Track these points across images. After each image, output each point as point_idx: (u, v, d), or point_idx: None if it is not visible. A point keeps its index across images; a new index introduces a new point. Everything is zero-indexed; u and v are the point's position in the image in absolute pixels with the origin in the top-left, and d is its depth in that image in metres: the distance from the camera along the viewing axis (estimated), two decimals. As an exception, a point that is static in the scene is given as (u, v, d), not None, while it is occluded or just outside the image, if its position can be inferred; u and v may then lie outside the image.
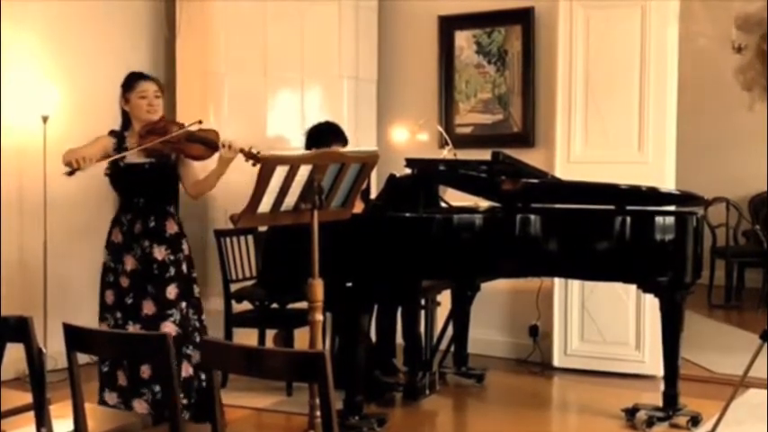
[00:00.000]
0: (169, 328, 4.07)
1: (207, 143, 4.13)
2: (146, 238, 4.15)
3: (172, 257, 4.17)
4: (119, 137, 4.22)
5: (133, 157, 4.15)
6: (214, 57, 5.84)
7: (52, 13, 5.51)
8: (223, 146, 4.06)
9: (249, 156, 3.95)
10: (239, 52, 5.82)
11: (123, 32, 5.98)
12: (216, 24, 5.83)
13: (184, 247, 4.25)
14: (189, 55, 5.97)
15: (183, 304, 4.17)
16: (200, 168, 4.30)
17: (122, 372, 4.11)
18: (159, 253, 4.15)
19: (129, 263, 4.15)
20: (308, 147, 4.91)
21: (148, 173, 4.16)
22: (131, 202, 4.18)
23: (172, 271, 4.16)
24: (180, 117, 5.74)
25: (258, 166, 3.78)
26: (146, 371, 4.06)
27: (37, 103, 5.28)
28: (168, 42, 6.14)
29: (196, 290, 4.29)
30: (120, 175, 4.17)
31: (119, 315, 4.15)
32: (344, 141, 4.93)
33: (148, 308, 4.12)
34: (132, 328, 4.07)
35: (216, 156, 4.14)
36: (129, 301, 4.13)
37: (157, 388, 4.03)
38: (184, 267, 4.22)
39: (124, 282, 4.15)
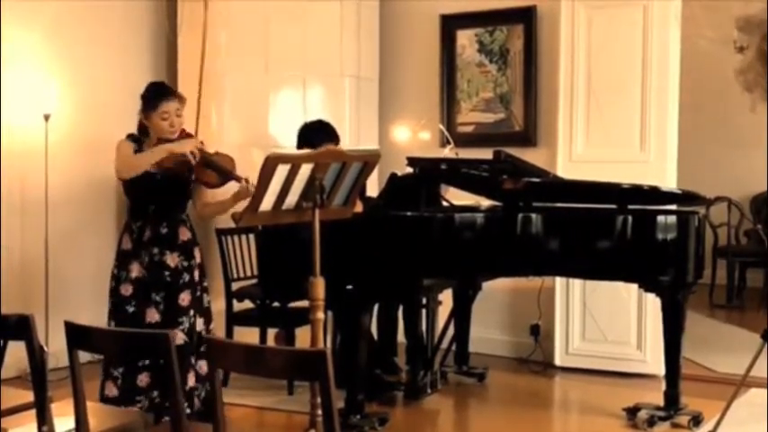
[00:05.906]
0: (176, 336, 4.00)
1: (220, 171, 4.08)
2: (155, 245, 4.08)
3: (185, 263, 4.13)
4: (136, 142, 4.14)
5: None
6: (215, 56, 5.84)
7: (54, 12, 5.51)
8: (246, 181, 3.98)
9: None
10: (241, 51, 5.82)
11: (125, 31, 5.99)
12: (217, 23, 5.82)
13: (197, 254, 4.20)
14: (190, 54, 5.96)
15: (192, 312, 4.12)
16: (211, 192, 4.28)
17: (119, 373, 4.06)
18: (172, 260, 4.10)
19: (135, 270, 4.08)
20: (299, 145, 4.90)
21: (160, 183, 4.09)
22: (142, 209, 4.13)
23: (186, 277, 4.12)
24: (182, 116, 5.75)
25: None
26: (143, 379, 4.01)
27: (39, 102, 5.28)
28: (170, 41, 6.14)
29: (206, 299, 4.25)
30: (132, 182, 4.10)
31: (113, 324, 4.07)
32: (336, 140, 4.89)
33: (152, 316, 4.05)
34: None
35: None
36: (132, 309, 4.06)
37: (155, 393, 4.00)
38: (196, 275, 4.18)
39: (126, 290, 4.08)
